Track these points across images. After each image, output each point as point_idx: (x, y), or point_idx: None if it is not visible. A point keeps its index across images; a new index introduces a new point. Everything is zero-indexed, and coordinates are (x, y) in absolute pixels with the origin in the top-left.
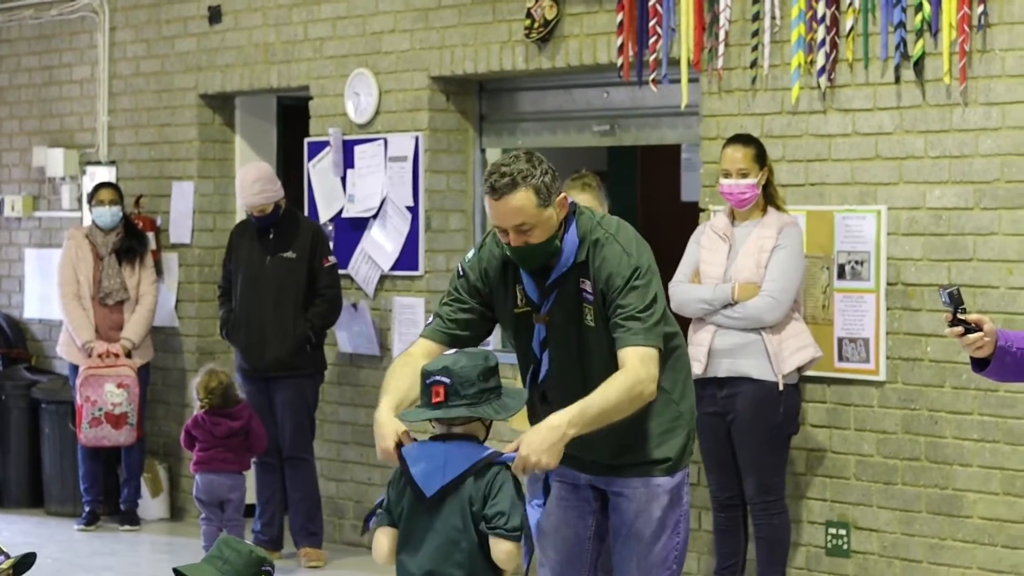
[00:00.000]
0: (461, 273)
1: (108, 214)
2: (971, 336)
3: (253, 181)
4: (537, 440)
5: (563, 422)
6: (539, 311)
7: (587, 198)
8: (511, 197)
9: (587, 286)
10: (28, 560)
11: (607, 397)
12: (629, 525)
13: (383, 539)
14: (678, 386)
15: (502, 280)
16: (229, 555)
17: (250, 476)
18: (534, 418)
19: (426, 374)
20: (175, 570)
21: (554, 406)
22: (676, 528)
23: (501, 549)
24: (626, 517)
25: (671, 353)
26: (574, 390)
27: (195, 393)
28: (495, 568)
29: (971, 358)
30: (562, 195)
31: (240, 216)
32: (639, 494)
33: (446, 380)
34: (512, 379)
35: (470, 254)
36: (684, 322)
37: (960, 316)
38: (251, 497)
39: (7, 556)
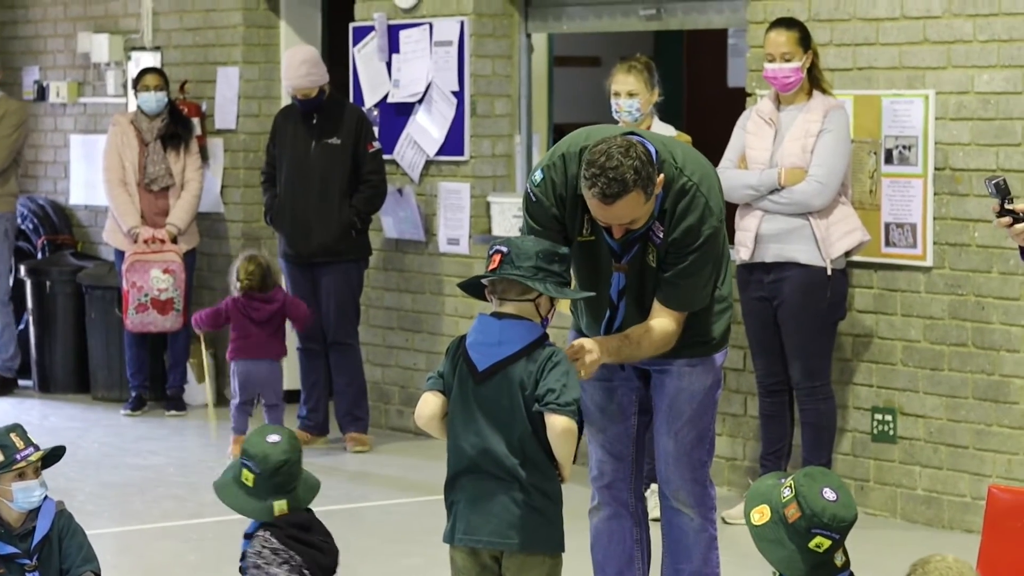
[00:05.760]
0: (534, 198)
1: (153, 99)
2: (1020, 226)
3: (300, 63)
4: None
5: (602, 353)
6: (619, 260)
7: (633, 81)
8: (622, 201)
9: (658, 230)
10: (57, 453)
11: (641, 347)
12: (670, 400)
13: (430, 402)
14: (721, 273)
15: (574, 206)
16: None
17: (293, 363)
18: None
19: (489, 246)
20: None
21: None
22: (714, 408)
23: (555, 424)
24: (668, 392)
25: None
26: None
27: (234, 275)
28: (551, 457)
29: (1020, 247)
30: (660, 176)
31: (285, 101)
32: (683, 372)
33: (504, 249)
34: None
35: (537, 176)
36: (731, 208)
37: (1008, 206)
38: (296, 383)
39: (36, 448)
